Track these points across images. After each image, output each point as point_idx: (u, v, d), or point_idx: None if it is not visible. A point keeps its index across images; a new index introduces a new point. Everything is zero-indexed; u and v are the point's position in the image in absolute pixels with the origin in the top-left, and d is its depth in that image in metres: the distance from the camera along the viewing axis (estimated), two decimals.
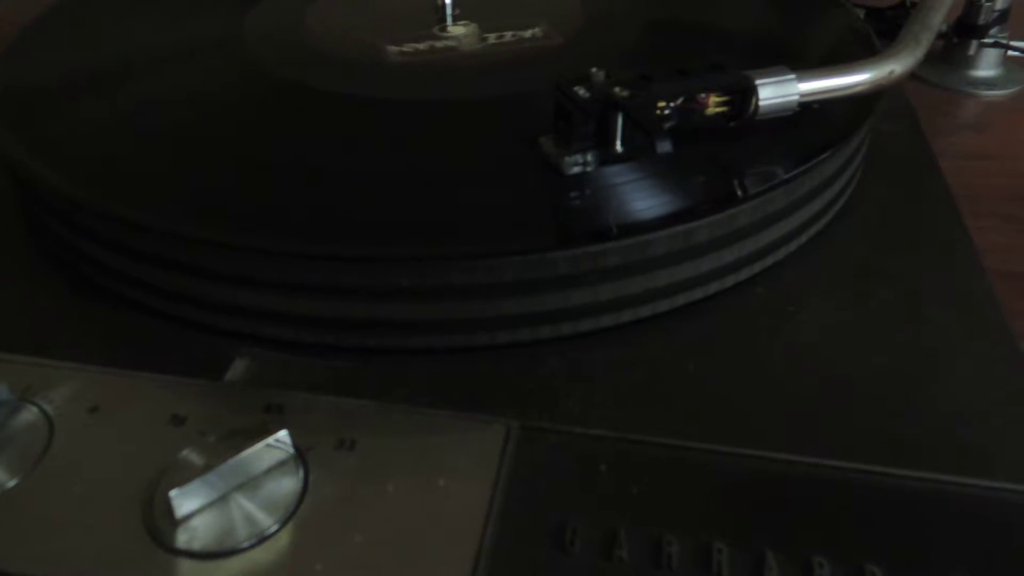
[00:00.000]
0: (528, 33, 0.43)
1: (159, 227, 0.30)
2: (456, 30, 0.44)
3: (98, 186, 0.32)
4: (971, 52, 0.51)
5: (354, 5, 0.48)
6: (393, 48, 0.42)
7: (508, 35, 0.43)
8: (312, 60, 0.41)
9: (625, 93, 0.30)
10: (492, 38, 0.43)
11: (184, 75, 0.40)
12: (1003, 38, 0.51)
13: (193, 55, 0.42)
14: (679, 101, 0.31)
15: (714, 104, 0.32)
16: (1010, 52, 0.51)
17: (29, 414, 0.27)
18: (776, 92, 0.32)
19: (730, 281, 0.32)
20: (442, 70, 0.40)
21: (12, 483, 0.25)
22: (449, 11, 0.44)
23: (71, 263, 0.34)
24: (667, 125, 0.31)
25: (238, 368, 0.29)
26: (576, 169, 0.31)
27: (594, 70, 0.31)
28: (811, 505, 0.25)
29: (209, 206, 0.31)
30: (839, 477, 0.25)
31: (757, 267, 0.33)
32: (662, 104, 0.31)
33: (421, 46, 0.43)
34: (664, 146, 0.28)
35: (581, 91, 0.31)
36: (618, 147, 0.31)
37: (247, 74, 0.39)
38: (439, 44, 0.43)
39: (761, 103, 0.32)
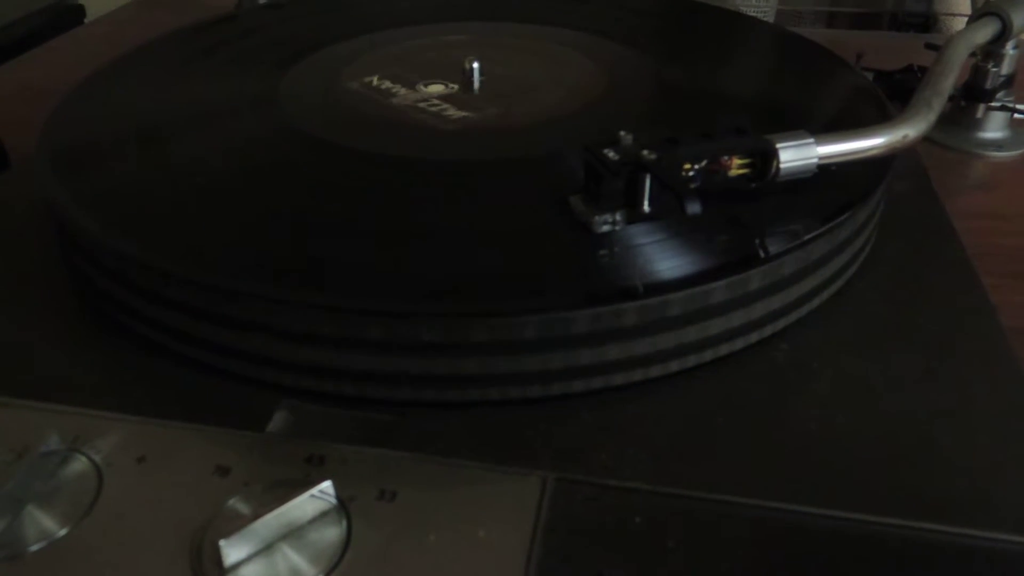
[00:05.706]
0: (456, 112, 0.42)
1: (201, 281, 0.31)
2: (432, 88, 0.45)
3: (142, 240, 0.33)
4: (979, 115, 0.53)
5: (401, 60, 0.49)
6: (365, 79, 0.44)
7: (443, 107, 0.42)
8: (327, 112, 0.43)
9: (652, 156, 0.32)
10: (425, 104, 0.43)
11: (223, 133, 0.41)
12: (1009, 102, 0.53)
13: (233, 114, 0.43)
14: (703, 163, 0.32)
15: (737, 166, 0.33)
16: (1016, 115, 0.53)
17: (79, 464, 0.28)
18: (796, 155, 0.33)
19: (755, 337, 0.33)
20: (334, 105, 0.44)
21: (63, 532, 0.26)
22: (476, 75, 0.45)
23: (116, 316, 0.34)
24: (692, 186, 0.32)
25: (279, 420, 0.30)
26: (606, 227, 0.32)
27: (622, 133, 0.33)
28: (841, 558, 0.25)
29: (249, 261, 0.32)
30: (867, 531, 0.26)
31: (781, 324, 0.34)
32: (687, 166, 0.32)
33: (382, 86, 0.44)
34: (694, 207, 0.29)
35: (611, 153, 0.32)
36: (646, 207, 0.32)
37: (281, 132, 0.41)
38: (393, 88, 0.44)
39: (782, 166, 0.33)
